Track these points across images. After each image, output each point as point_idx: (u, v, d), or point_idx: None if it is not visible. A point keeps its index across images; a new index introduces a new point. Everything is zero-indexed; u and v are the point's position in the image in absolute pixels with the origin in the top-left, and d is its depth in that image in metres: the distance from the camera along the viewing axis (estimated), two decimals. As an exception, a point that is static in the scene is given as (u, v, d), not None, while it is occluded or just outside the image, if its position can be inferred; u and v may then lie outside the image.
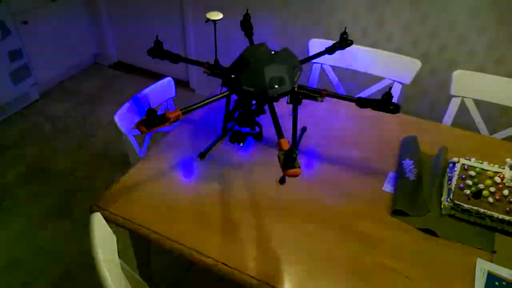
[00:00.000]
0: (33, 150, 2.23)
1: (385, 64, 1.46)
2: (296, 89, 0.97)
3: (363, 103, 0.96)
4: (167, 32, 2.61)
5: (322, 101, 0.98)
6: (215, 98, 0.92)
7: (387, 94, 0.93)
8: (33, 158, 2.18)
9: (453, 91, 1.36)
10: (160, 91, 1.37)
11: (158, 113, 0.82)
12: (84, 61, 2.94)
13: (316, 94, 0.97)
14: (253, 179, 1.07)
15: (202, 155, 1.13)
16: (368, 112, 1.29)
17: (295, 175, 0.75)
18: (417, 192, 1.05)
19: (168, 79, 1.38)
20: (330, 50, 1.16)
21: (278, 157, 0.78)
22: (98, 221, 0.79)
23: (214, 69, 1.03)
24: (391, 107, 0.94)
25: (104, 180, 2.03)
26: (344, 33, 1.15)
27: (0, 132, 2.34)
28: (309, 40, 1.53)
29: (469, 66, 1.80)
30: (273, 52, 1.00)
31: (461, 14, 1.71)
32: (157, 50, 1.08)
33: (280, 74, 0.94)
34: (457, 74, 1.34)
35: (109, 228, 0.84)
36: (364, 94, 1.52)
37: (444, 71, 1.88)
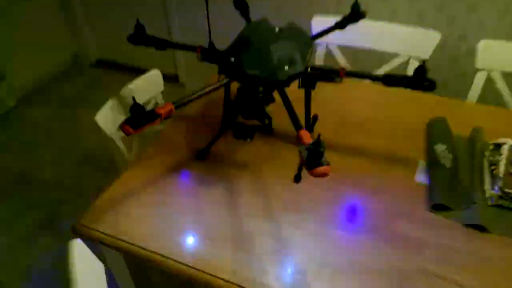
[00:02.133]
0: (13, 161, 2.05)
1: (398, 39, 1.30)
2: (309, 69, 0.81)
3: (391, 80, 0.80)
4: (149, 22, 2.41)
5: (340, 82, 0.83)
6: (212, 87, 0.76)
7: (420, 68, 0.77)
8: (14, 169, 2.00)
9: (478, 64, 1.21)
10: (147, 85, 1.20)
11: (147, 109, 0.66)
12: (63, 61, 2.73)
13: (333, 74, 0.81)
14: (263, 179, 0.91)
15: (201, 155, 0.97)
16: (384, 93, 1.13)
17: (325, 175, 0.59)
18: (457, 181, 0.90)
19: (155, 71, 1.21)
20: (341, 25, 0.99)
21: (300, 154, 0.62)
22: (78, 249, 0.63)
23: (208, 53, 0.86)
24: (426, 83, 0.78)
25: (92, 189, 1.86)
26: (356, 4, 0.99)
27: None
28: (308, 20, 1.36)
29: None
30: (277, 29, 0.84)
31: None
32: (139, 36, 0.91)
33: (289, 53, 0.78)
34: (483, 44, 1.19)
35: (93, 256, 0.67)
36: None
37: (455, 44, 1.73)
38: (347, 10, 0.94)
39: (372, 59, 1.84)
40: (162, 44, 0.90)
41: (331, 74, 0.81)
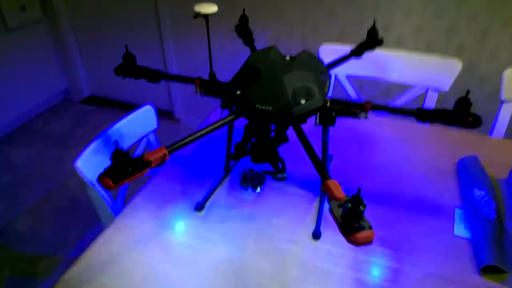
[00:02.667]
0: (-11, 206, 1.86)
1: (414, 68, 1.19)
2: (328, 103, 0.68)
3: (427, 115, 0.67)
4: (144, 56, 2.33)
5: (365, 118, 0.69)
6: (213, 126, 0.62)
7: (463, 101, 0.65)
8: (-10, 216, 1.81)
9: (504, 96, 1.10)
10: (138, 123, 1.06)
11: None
12: (52, 98, 2.61)
13: (357, 108, 0.68)
14: (276, 236, 0.76)
15: (200, 207, 0.81)
16: (402, 129, 1.02)
17: (368, 242, 0.44)
18: (503, 235, 0.75)
19: (147, 107, 1.07)
20: (357, 52, 0.88)
21: (332, 213, 0.47)
22: None
23: (209, 85, 0.74)
24: (470, 119, 0.65)
25: (72, 244, 1.66)
26: (373, 28, 0.88)
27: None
28: (312, 49, 1.25)
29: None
30: (288, 57, 0.72)
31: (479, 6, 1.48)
32: (129, 66, 0.78)
33: (306, 84, 0.65)
34: (509, 73, 1.08)
35: None
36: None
37: (466, 74, 1.63)
38: (350, 40, 0.84)
39: (380, 91, 1.74)
40: (154, 76, 0.77)
41: (354, 108, 0.68)
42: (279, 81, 0.63)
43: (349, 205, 0.44)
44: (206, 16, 0.68)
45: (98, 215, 0.97)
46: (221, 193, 0.85)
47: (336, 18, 1.70)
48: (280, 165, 0.65)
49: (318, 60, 0.72)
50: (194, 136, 0.59)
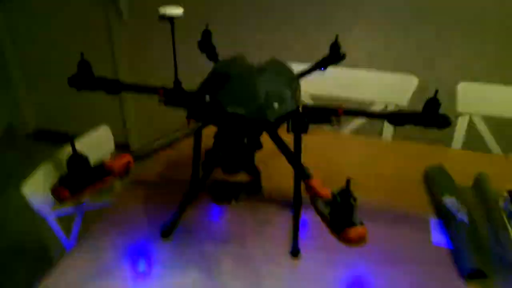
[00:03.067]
0: None
1: (372, 85, 1.22)
2: (301, 109, 0.65)
3: (399, 118, 0.66)
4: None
5: (338, 124, 0.67)
6: (181, 132, 0.57)
7: (432, 101, 0.65)
8: None
9: (460, 108, 1.15)
10: (92, 145, 0.98)
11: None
12: (-6, 132, 2.40)
13: (329, 113, 0.66)
14: (251, 256, 0.70)
15: (166, 232, 0.74)
16: (367, 145, 1.03)
17: (361, 239, 0.40)
18: (483, 240, 0.75)
19: (103, 127, 1.00)
20: (321, 64, 0.89)
21: (319, 210, 0.43)
22: None
23: (174, 94, 0.69)
24: (440, 120, 0.65)
25: None
26: (335, 44, 0.89)
27: None
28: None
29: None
30: (256, 65, 0.70)
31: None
32: (84, 76, 0.72)
33: (278, 88, 0.63)
34: (463, 87, 1.13)
35: None
36: (352, 124, 1.26)
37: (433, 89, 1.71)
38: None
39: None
40: (113, 87, 0.71)
41: (327, 113, 0.66)
42: (251, 83, 0.60)
43: (338, 199, 0.40)
44: (171, 19, 0.64)
45: (49, 254, 0.86)
46: (189, 213, 0.78)
47: (307, 38, 1.74)
48: (256, 172, 0.61)
49: (288, 67, 0.71)
50: (160, 142, 0.53)
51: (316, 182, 0.47)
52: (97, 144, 0.99)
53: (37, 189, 0.80)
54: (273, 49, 1.85)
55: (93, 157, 0.97)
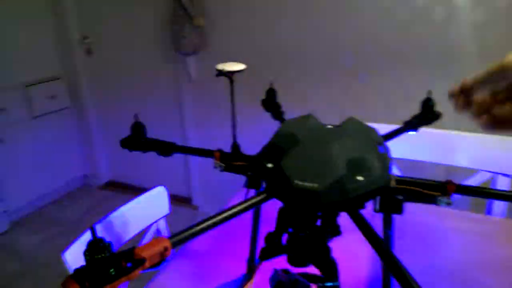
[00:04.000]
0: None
1: (474, 149, 1.02)
2: (393, 182, 0.50)
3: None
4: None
5: (449, 204, 0.51)
6: (234, 210, 0.45)
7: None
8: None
9: None
10: (147, 206, 0.91)
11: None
12: (70, 183, 2.53)
13: (435, 190, 0.50)
14: None
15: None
16: (469, 222, 0.82)
17: None
18: None
19: (159, 188, 0.93)
20: (412, 125, 0.73)
21: None
22: None
23: (231, 159, 0.59)
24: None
25: None
26: (429, 99, 0.74)
27: None
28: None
29: None
30: (330, 126, 0.57)
31: None
32: (137, 138, 0.65)
33: (362, 155, 0.49)
34: None
35: None
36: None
37: None
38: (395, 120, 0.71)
39: (430, 175, 1.55)
40: (166, 148, 0.63)
41: (432, 190, 0.50)
42: (326, 150, 0.48)
43: None
44: (230, 75, 0.55)
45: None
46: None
47: (384, 94, 1.60)
48: (331, 269, 0.46)
49: (371, 129, 0.57)
50: (207, 224, 0.42)
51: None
52: (152, 205, 0.92)
53: (79, 256, 0.73)
54: (345, 107, 1.73)
55: (147, 219, 0.89)
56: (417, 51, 1.51)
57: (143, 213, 0.90)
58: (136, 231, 0.88)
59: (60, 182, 2.42)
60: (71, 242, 0.73)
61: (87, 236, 0.75)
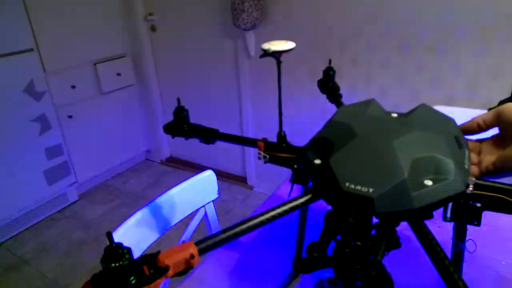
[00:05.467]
0: (52, 265, 1.81)
1: None
2: (471, 187, 0.41)
3: None
4: (226, 123, 2.27)
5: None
6: (273, 213, 0.40)
7: None
8: (53, 274, 1.74)
9: None
10: (195, 190, 0.89)
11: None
12: (134, 158, 2.65)
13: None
14: None
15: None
16: None
17: None
18: None
19: (208, 172, 0.90)
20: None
21: None
22: None
23: (276, 149, 0.52)
24: None
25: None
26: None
27: (22, 242, 1.98)
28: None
29: None
30: (396, 115, 0.48)
31: None
32: (179, 124, 0.62)
33: (432, 154, 0.40)
34: None
35: None
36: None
37: None
38: (478, 104, 0.57)
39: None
40: (208, 135, 0.59)
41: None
42: (386, 147, 0.40)
43: None
44: (277, 55, 0.48)
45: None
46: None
47: (464, 73, 1.42)
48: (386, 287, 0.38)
49: (448, 119, 0.47)
50: (240, 229, 0.37)
51: None
52: (200, 189, 0.89)
53: (128, 238, 0.73)
54: (418, 88, 1.56)
55: (195, 203, 0.87)
56: (508, 19, 1.29)
57: (192, 196, 0.88)
58: (184, 215, 0.86)
59: (124, 157, 2.54)
60: (132, 213, 0.73)
61: (130, 222, 0.74)
